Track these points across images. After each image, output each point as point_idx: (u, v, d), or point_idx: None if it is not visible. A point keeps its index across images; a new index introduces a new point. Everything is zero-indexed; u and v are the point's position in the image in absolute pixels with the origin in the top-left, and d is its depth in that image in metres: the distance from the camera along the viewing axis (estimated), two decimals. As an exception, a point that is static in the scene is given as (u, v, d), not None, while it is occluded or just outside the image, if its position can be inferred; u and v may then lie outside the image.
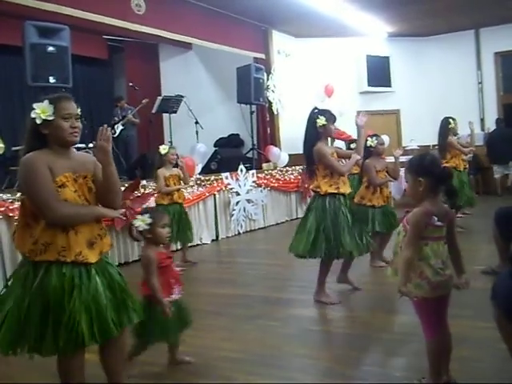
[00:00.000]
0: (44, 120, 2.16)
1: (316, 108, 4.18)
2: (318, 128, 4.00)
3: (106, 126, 2.24)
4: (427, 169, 2.30)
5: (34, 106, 2.17)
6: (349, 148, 7.34)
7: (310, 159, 4.05)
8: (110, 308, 2.22)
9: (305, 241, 3.93)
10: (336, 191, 3.98)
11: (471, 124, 6.93)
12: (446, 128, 6.74)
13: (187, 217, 5.86)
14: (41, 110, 2.15)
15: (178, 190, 5.62)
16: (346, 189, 4.07)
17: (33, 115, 2.16)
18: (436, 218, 2.28)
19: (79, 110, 2.28)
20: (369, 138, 5.14)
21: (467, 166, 6.93)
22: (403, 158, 9.59)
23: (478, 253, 5.55)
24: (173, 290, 2.84)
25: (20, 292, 2.16)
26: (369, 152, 5.12)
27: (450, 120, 6.74)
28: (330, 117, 4.06)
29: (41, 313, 2.12)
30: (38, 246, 2.14)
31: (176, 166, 5.75)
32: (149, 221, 2.77)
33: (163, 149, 5.60)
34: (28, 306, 2.12)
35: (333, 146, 4.29)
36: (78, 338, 2.11)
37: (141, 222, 2.77)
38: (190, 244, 6.13)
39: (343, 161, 4.34)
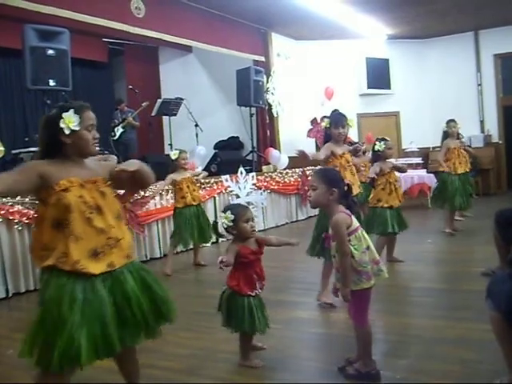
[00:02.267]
0: (71, 130, 2.14)
1: (335, 110, 4.39)
2: (325, 130, 4.22)
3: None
4: (337, 182, 2.68)
5: (63, 115, 2.13)
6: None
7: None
8: (115, 324, 2.10)
9: (311, 241, 4.09)
10: None
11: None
12: (443, 131, 6.75)
13: (205, 217, 5.87)
14: (68, 120, 2.13)
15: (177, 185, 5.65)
16: (353, 189, 4.15)
17: (62, 125, 2.12)
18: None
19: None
20: (377, 142, 5.18)
21: (467, 169, 6.81)
22: (402, 160, 9.65)
23: (477, 254, 5.56)
24: (255, 285, 2.87)
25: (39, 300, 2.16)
26: (377, 156, 5.22)
27: (445, 123, 6.72)
28: (335, 121, 4.15)
29: (46, 325, 2.05)
30: (45, 253, 2.10)
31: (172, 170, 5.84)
32: (232, 217, 2.82)
33: (173, 154, 5.62)
34: (40, 316, 2.08)
35: (345, 146, 4.32)
36: (75, 354, 1.99)
37: (224, 219, 2.83)
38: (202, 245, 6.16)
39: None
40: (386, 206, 5.09)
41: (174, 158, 5.59)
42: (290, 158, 9.47)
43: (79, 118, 2.16)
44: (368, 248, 2.61)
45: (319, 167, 3.95)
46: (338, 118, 4.18)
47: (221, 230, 3.03)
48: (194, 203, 5.68)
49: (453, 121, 6.73)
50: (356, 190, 4.12)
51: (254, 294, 2.87)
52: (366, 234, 2.66)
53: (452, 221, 6.86)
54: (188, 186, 5.62)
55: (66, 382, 2.16)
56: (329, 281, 4.01)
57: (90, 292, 2.08)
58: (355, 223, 2.63)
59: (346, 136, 4.30)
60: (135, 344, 2.28)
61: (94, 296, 2.08)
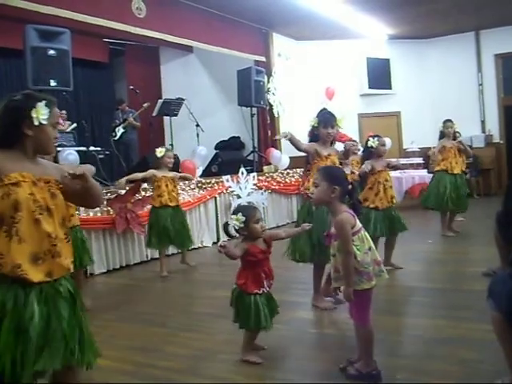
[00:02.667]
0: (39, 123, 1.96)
1: (324, 109, 4.16)
2: (312, 128, 3.98)
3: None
4: (340, 180, 2.68)
5: (38, 105, 1.95)
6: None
7: (306, 159, 4.09)
8: (36, 347, 1.83)
9: (296, 245, 3.91)
10: None
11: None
12: (440, 131, 6.73)
13: (183, 221, 5.75)
14: (40, 111, 1.95)
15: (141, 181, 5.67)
16: None
17: (33, 115, 1.94)
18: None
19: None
20: (370, 139, 5.02)
21: (463, 169, 6.79)
22: (404, 160, 9.65)
23: (478, 255, 5.54)
24: (263, 283, 2.95)
25: None
26: (369, 153, 5.02)
27: (442, 123, 6.70)
28: (324, 121, 3.94)
29: None
30: None
31: (173, 169, 5.78)
32: (243, 219, 2.89)
33: (159, 152, 5.54)
34: None
35: (332, 148, 4.08)
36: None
37: (235, 221, 2.90)
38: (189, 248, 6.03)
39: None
40: (371, 206, 4.87)
41: (159, 155, 5.51)
42: (290, 158, 9.48)
43: (49, 112, 1.98)
44: (370, 249, 2.61)
45: (323, 165, 3.84)
46: (327, 118, 3.96)
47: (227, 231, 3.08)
48: (171, 204, 5.54)
49: (449, 121, 6.66)
50: None
51: (260, 292, 2.93)
52: (368, 235, 2.66)
53: (450, 222, 6.81)
54: (167, 185, 5.50)
55: None
56: (321, 282, 4.00)
57: (21, 304, 1.84)
58: (358, 224, 2.64)
59: (335, 136, 4.05)
60: (48, 368, 1.88)
61: (24, 308, 1.84)
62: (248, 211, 2.95)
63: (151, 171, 5.55)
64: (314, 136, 4.03)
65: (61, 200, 2.02)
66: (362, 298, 2.59)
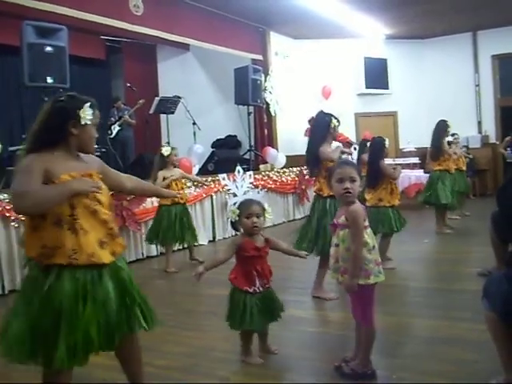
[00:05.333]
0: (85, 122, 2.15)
1: (322, 111, 4.31)
2: (330, 129, 4.12)
3: None
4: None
5: (85, 106, 2.15)
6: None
7: (316, 159, 4.13)
8: (116, 315, 2.12)
9: (308, 237, 4.09)
10: None
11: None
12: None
13: (189, 218, 5.80)
14: (87, 112, 2.15)
15: (175, 182, 5.53)
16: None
17: (81, 114, 2.13)
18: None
19: None
20: (386, 139, 5.15)
21: (458, 167, 6.88)
22: (400, 160, 9.65)
23: (474, 255, 5.57)
24: (254, 282, 2.86)
25: (30, 297, 2.06)
26: (384, 154, 5.14)
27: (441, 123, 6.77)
28: (338, 122, 4.19)
29: (53, 320, 2.01)
30: (46, 250, 2.04)
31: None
32: (237, 212, 2.87)
33: (166, 150, 5.51)
34: (39, 312, 2.02)
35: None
36: (87, 347, 2.04)
37: (231, 214, 2.90)
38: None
39: None
40: (388, 205, 5.03)
41: (166, 154, 5.49)
42: (287, 156, 9.48)
43: (92, 113, 2.18)
44: (374, 247, 2.58)
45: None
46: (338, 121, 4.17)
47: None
48: (182, 201, 5.61)
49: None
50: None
51: (251, 291, 2.85)
52: (373, 233, 2.65)
53: (445, 219, 6.89)
54: (176, 184, 5.55)
55: (69, 381, 2.18)
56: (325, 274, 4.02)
57: (98, 284, 2.10)
58: (367, 219, 2.63)
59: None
60: (133, 330, 2.22)
61: (100, 287, 2.10)
62: (242, 205, 2.90)
63: (160, 173, 5.44)
64: (329, 135, 4.17)
65: (104, 188, 2.22)
66: (361, 294, 2.55)
